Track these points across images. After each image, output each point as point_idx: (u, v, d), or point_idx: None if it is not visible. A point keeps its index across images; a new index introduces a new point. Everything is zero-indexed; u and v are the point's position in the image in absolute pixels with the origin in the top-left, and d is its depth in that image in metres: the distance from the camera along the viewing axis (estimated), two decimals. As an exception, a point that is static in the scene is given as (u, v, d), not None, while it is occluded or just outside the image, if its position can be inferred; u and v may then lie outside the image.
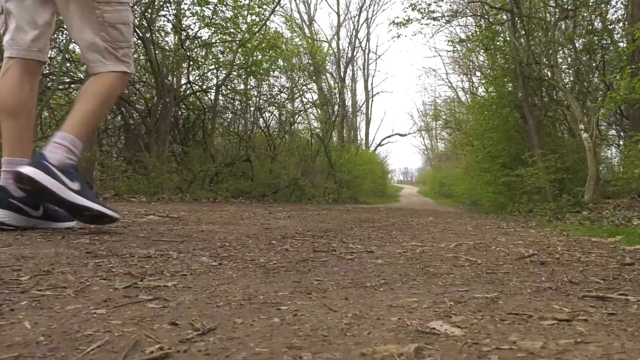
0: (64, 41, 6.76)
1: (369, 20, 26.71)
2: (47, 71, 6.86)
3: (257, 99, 11.24)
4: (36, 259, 1.34)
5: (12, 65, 1.87)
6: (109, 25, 1.90)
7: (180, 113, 9.22)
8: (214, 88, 9.11)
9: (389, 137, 41.44)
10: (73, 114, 1.91)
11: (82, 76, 7.21)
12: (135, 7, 7.88)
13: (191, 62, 8.70)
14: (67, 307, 0.87)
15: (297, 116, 13.16)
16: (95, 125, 2.07)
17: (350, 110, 24.32)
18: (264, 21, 9.02)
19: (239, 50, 8.92)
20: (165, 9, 8.44)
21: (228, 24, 8.71)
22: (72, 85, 7.78)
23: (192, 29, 8.70)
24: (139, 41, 7.79)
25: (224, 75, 9.18)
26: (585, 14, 7.84)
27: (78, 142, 1.84)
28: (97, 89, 1.92)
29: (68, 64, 7.32)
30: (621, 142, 8.11)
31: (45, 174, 1.70)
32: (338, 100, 16.10)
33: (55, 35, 6.80)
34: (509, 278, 1.33)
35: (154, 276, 1.20)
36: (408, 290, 1.14)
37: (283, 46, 9.94)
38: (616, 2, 7.60)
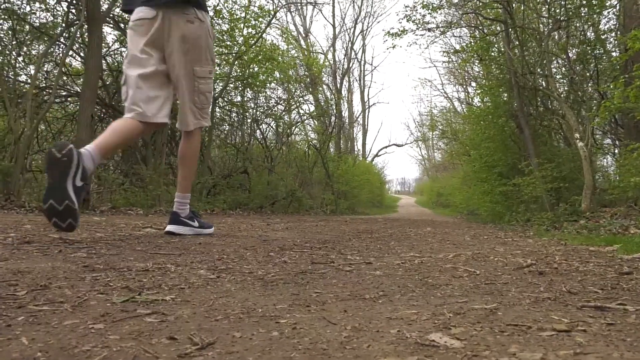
0: (61, 55, 6.78)
1: (365, 32, 26.95)
2: (44, 84, 6.87)
3: (254, 110, 11.26)
4: (33, 274, 1.33)
5: (138, 124, 2.49)
6: (200, 93, 2.66)
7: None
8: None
9: (386, 147, 41.30)
10: (182, 179, 2.80)
11: (78, 89, 7.22)
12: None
13: (188, 75, 8.73)
14: (64, 322, 0.87)
15: (294, 127, 13.19)
16: (195, 174, 3.13)
17: (347, 121, 24.40)
18: (260, 34, 9.07)
19: (236, 62, 8.96)
20: (162, 22, 8.49)
21: (224, 37, 8.76)
22: (69, 99, 7.79)
23: (189, 42, 8.75)
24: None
25: (221, 87, 9.22)
26: (577, 25, 7.93)
27: (189, 195, 2.80)
28: (191, 153, 2.80)
29: (65, 78, 7.33)
30: (616, 151, 8.15)
31: (183, 226, 2.71)
32: (335, 111, 16.15)
33: (52, 49, 6.82)
34: (507, 288, 1.33)
35: (152, 290, 1.19)
36: (407, 302, 1.14)
37: (279, 58, 9.98)
38: (608, 12, 7.69)
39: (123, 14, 7.80)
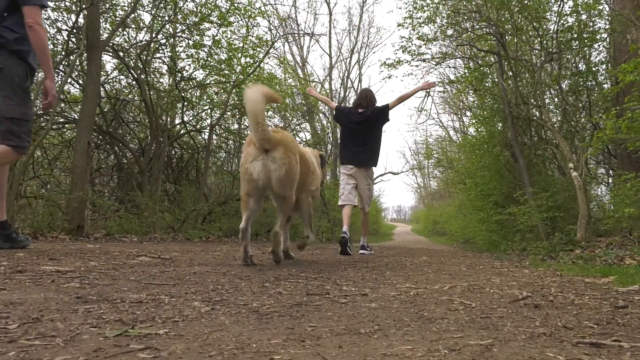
0: (59, 82, 6.84)
1: (361, 62, 27.23)
2: (41, 112, 6.91)
3: (251, 138, 11.24)
4: (25, 305, 1.32)
5: (346, 207, 5.09)
6: (370, 192, 5.27)
7: (173, 152, 9.26)
8: (208, 128, 9.20)
9: (382, 175, 41.36)
10: (363, 229, 5.50)
11: (75, 116, 7.26)
12: (132, 49, 8.03)
13: (186, 103, 8.80)
14: (56, 358, 0.86)
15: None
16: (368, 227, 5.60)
17: (343, 148, 24.44)
18: (257, 63, 9.20)
19: (233, 90, 9.06)
20: (161, 51, 8.61)
21: (222, 66, 8.87)
22: (66, 126, 7.82)
23: (187, 71, 8.86)
24: (134, 82, 7.90)
25: (218, 115, 9.28)
26: (569, 57, 8.09)
27: (366, 239, 5.38)
28: (366, 220, 5.47)
29: (62, 104, 7.38)
30: (610, 180, 8.21)
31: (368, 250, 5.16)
32: (331, 139, 16.27)
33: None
34: (503, 323, 1.32)
35: (146, 323, 1.18)
36: (402, 337, 1.13)
37: (277, 87, 10.10)
38: (599, 45, 7.85)
39: (122, 43, 7.94)
